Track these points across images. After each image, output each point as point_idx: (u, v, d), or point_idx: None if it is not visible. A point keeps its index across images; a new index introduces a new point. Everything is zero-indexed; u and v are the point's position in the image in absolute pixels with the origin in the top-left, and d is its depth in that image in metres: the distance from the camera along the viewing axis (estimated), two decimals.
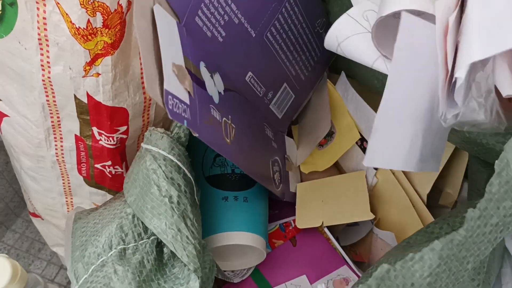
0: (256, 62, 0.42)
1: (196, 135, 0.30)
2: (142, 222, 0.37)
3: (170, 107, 0.27)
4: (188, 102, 0.30)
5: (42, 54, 0.36)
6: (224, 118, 0.35)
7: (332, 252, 0.47)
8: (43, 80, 0.38)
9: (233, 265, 0.46)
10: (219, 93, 0.36)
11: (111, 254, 0.36)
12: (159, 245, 0.37)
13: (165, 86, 0.27)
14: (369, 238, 0.50)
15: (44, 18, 0.34)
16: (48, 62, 0.37)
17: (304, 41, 0.45)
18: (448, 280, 0.26)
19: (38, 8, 0.34)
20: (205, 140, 0.31)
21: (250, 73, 0.42)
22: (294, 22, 0.42)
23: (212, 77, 0.36)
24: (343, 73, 0.50)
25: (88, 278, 0.35)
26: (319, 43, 0.48)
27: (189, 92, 0.30)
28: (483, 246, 0.26)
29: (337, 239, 0.51)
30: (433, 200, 0.49)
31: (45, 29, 0.35)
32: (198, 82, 0.32)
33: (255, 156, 0.41)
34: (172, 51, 0.29)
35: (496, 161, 0.25)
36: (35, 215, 0.56)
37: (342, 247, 0.49)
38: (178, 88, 0.29)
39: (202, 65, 0.34)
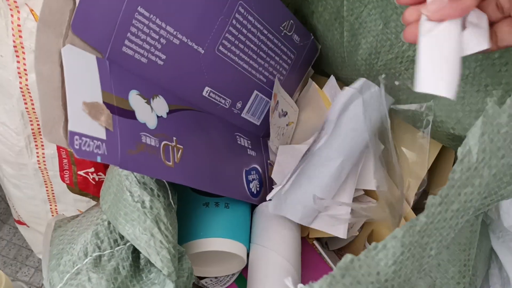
0: (212, 77, 0.41)
1: (116, 167, 0.31)
2: None
3: (77, 146, 0.28)
4: (104, 137, 0.30)
5: (18, 62, 0.36)
6: (164, 142, 0.35)
7: (318, 260, 0.47)
8: (21, 88, 0.38)
9: (214, 271, 0.46)
10: (159, 117, 0.36)
11: (86, 262, 0.35)
12: (136, 251, 0.37)
13: (70, 128, 0.28)
14: (357, 241, 0.49)
15: (19, 26, 0.34)
16: (25, 70, 0.36)
17: (269, 47, 0.45)
18: (413, 267, 0.26)
19: (12, 15, 0.33)
20: (131, 169, 0.31)
21: (207, 88, 0.42)
22: (250, 30, 0.42)
23: (149, 102, 0.35)
24: (332, 77, 0.50)
25: (62, 287, 0.34)
26: (291, 45, 0.47)
27: (106, 128, 0.30)
28: (445, 232, 0.27)
29: (326, 244, 0.51)
30: (420, 203, 0.49)
31: (20, 36, 0.35)
32: (123, 113, 0.32)
33: (218, 171, 0.41)
34: (85, 90, 0.29)
35: (459, 148, 0.25)
36: (20, 222, 0.55)
37: (331, 251, 0.48)
38: (90, 126, 0.29)
39: (133, 93, 0.34)
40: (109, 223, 0.37)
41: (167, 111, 0.37)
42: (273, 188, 0.43)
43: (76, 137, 0.28)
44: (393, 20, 0.41)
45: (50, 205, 0.50)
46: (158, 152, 0.34)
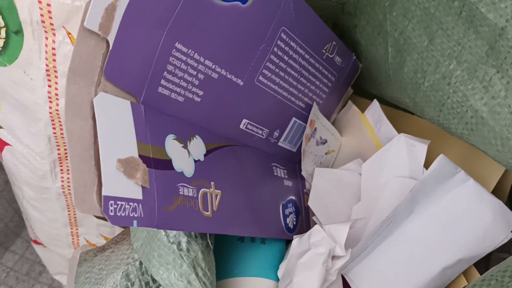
0: (250, 108, 0.38)
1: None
2: None
3: (112, 213, 0.25)
4: (140, 197, 0.27)
5: (50, 86, 0.33)
6: (202, 189, 0.32)
7: None
8: (51, 113, 0.34)
9: None
10: (196, 161, 0.33)
11: None
12: None
13: (104, 192, 0.25)
14: None
15: (53, 49, 0.31)
16: (56, 94, 0.33)
17: (310, 72, 0.41)
18: None
19: (46, 38, 0.30)
20: (168, 227, 0.28)
21: (245, 120, 0.38)
22: (292, 56, 0.38)
23: (186, 146, 0.32)
24: (375, 101, 0.46)
25: None
26: (332, 68, 0.44)
27: (142, 186, 0.27)
28: None
29: None
30: None
31: (53, 60, 0.31)
32: (160, 164, 0.29)
33: (255, 212, 0.38)
34: (119, 145, 0.26)
35: None
36: (37, 242, 0.52)
37: None
38: (125, 186, 0.26)
39: (170, 138, 0.31)
40: (140, 263, 0.34)
41: (204, 152, 0.34)
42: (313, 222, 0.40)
43: (111, 202, 0.25)
44: (438, 37, 0.37)
45: (71, 228, 0.47)
46: (196, 203, 0.31)
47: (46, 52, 0.31)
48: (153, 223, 0.27)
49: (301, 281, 0.36)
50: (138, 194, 0.27)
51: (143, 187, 0.27)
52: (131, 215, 0.26)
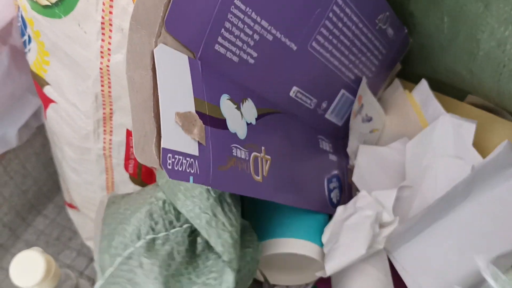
0: (301, 76, 0.37)
1: (208, 187, 0.28)
2: (174, 208, 0.33)
3: (170, 166, 0.24)
4: (197, 153, 0.26)
5: (103, 40, 0.32)
6: (254, 153, 0.32)
7: None
8: (101, 69, 0.34)
9: (286, 279, 0.42)
10: (248, 124, 0.32)
11: (139, 245, 0.32)
12: (192, 234, 0.34)
13: (163, 145, 0.24)
14: None
15: (111, 0, 0.30)
16: (109, 49, 0.33)
17: (362, 42, 0.40)
18: None
19: None
20: (221, 187, 0.28)
21: (295, 88, 0.38)
22: (346, 24, 0.37)
23: (239, 108, 0.32)
24: (423, 80, 0.45)
25: (113, 271, 0.31)
26: (384, 40, 0.43)
27: (198, 142, 0.27)
28: None
29: None
30: None
31: (110, 12, 0.31)
32: (215, 123, 0.29)
33: (301, 183, 0.37)
34: (177, 99, 0.26)
35: None
36: (71, 205, 0.52)
37: None
38: (183, 140, 0.26)
39: (224, 98, 0.30)
40: (164, 202, 0.34)
41: (256, 116, 0.33)
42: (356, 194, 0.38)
43: (169, 155, 0.24)
44: (495, 1, 0.36)
45: (108, 192, 0.46)
46: (248, 165, 0.31)
47: (103, 3, 0.30)
48: (208, 181, 0.27)
49: (348, 241, 0.35)
50: (195, 150, 0.26)
51: (199, 144, 0.27)
52: (188, 170, 0.25)
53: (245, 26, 0.30)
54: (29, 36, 0.37)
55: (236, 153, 0.30)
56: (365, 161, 0.43)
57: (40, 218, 0.62)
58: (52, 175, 0.60)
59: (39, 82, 0.39)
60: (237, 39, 0.30)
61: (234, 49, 0.31)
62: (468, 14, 0.38)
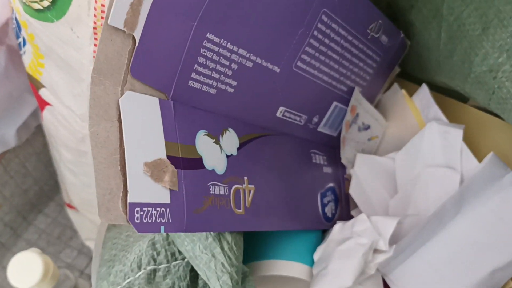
0: (287, 95, 0.36)
1: (182, 233, 0.27)
2: None
3: (138, 220, 0.24)
4: (168, 201, 0.25)
5: (95, 45, 0.32)
6: (235, 186, 0.31)
7: None
8: None
9: None
10: (229, 156, 0.31)
11: (139, 276, 0.31)
12: (194, 269, 0.33)
13: (130, 199, 0.23)
14: None
15: (103, 5, 0.30)
16: None
17: (353, 54, 0.39)
18: None
19: None
20: (199, 230, 0.27)
21: (281, 108, 0.36)
22: (334, 39, 0.36)
23: (218, 141, 0.30)
24: (424, 85, 0.44)
25: None
26: (377, 48, 0.41)
27: (170, 189, 0.26)
28: None
29: None
30: None
31: (102, 18, 0.30)
32: (190, 164, 0.27)
33: (292, 203, 0.36)
34: (146, 147, 0.25)
35: None
36: (70, 206, 0.52)
37: None
38: (152, 190, 0.25)
39: (201, 134, 0.29)
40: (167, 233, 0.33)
41: (238, 146, 0.32)
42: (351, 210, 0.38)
43: (137, 209, 0.24)
44: (493, 26, 0.35)
45: None
46: (228, 201, 0.30)
47: (95, 8, 0.30)
48: (181, 227, 0.26)
49: (337, 268, 0.35)
50: (165, 198, 0.25)
51: (171, 190, 0.26)
52: (158, 220, 0.25)
53: (221, 57, 0.29)
54: (23, 39, 0.36)
55: (214, 191, 0.29)
56: (363, 170, 0.42)
57: (41, 217, 0.62)
58: (53, 174, 0.60)
59: (34, 84, 0.39)
60: (213, 72, 0.29)
61: (210, 81, 0.30)
62: (465, 34, 0.37)
